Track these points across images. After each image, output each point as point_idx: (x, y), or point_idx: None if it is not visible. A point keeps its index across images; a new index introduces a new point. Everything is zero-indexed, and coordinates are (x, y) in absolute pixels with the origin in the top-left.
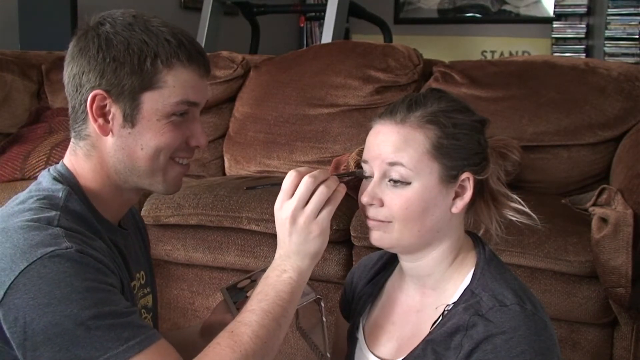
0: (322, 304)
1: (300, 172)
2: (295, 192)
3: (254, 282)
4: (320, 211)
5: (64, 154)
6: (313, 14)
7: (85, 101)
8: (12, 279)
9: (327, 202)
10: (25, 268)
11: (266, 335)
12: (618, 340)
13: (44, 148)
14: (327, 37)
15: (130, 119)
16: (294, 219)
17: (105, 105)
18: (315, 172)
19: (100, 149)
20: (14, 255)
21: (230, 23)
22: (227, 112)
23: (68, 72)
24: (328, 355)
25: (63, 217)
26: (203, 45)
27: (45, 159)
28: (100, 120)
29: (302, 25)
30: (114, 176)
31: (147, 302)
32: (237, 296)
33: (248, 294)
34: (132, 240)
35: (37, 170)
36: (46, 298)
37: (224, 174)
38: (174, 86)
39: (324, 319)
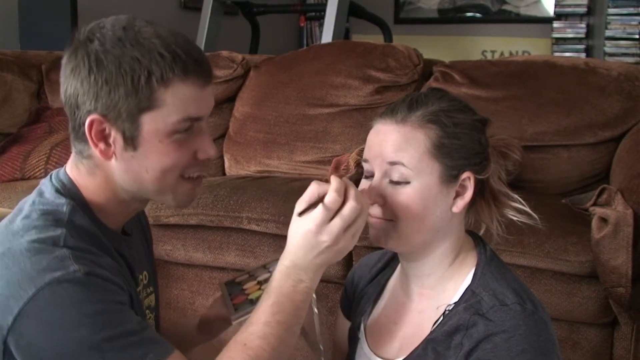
0: (315, 296)
1: (341, 194)
2: (342, 219)
3: (251, 277)
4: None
5: (64, 153)
6: (313, 14)
7: (84, 124)
8: (21, 306)
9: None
10: (33, 295)
11: (281, 345)
12: (618, 340)
13: (44, 148)
14: (327, 37)
15: (131, 142)
16: (336, 243)
17: (105, 129)
18: (355, 195)
19: (105, 169)
20: (22, 280)
21: (230, 23)
22: (227, 112)
23: (63, 91)
24: (321, 347)
25: (69, 235)
26: (203, 45)
27: (45, 159)
28: (102, 145)
29: (302, 25)
30: (121, 193)
31: (151, 302)
32: (234, 290)
33: (244, 287)
34: (136, 242)
35: (37, 170)
36: (57, 324)
37: (224, 174)
38: (173, 104)
39: (316, 310)
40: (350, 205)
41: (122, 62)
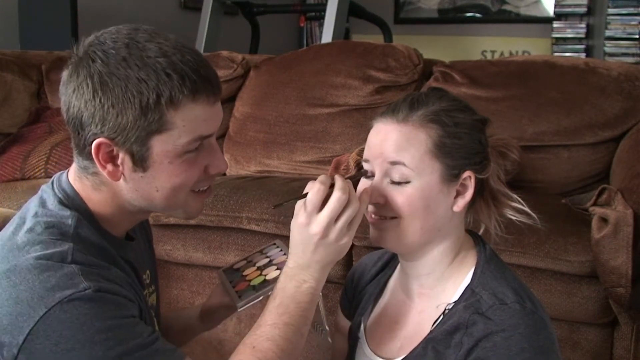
0: None
1: (324, 183)
2: (327, 208)
3: (249, 263)
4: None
5: (64, 153)
6: (313, 14)
7: (90, 145)
8: (31, 325)
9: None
10: (44, 314)
11: (289, 346)
12: (618, 340)
13: (44, 148)
14: (327, 37)
15: (140, 164)
16: (325, 234)
17: (112, 151)
18: (342, 185)
19: (112, 187)
20: (31, 299)
21: (230, 23)
22: (227, 112)
23: (65, 110)
24: (327, 327)
25: (76, 249)
26: (203, 45)
27: (45, 159)
28: (109, 166)
29: (302, 25)
30: (128, 207)
31: (153, 301)
32: (233, 276)
33: (244, 274)
34: (139, 243)
35: (37, 170)
36: (70, 343)
37: (224, 173)
38: (183, 125)
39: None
40: (335, 195)
41: (129, 85)
